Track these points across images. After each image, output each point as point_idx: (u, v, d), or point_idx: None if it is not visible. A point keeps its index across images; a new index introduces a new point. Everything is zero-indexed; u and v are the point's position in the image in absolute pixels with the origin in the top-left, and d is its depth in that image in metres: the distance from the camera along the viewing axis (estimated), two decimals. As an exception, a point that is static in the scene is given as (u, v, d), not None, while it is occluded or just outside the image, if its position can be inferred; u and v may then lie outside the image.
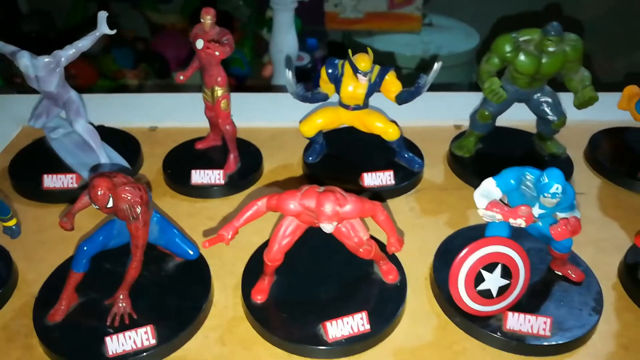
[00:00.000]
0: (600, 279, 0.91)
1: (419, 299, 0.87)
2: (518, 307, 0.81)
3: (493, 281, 0.78)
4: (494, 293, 0.79)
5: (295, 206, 0.72)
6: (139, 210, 0.75)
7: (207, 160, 1.12)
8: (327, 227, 0.70)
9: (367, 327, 0.79)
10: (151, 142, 1.23)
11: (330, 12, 2.93)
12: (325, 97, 1.09)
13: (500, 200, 0.77)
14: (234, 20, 2.77)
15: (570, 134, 1.27)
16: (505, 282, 0.79)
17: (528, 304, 0.82)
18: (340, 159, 1.15)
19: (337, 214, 0.69)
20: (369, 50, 1.02)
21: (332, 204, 0.69)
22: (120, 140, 1.19)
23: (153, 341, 0.76)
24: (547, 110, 1.10)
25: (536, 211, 0.76)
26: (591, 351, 0.80)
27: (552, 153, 1.17)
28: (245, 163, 1.13)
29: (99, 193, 0.71)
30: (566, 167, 1.15)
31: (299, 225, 0.78)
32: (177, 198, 1.07)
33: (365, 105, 1.08)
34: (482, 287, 0.78)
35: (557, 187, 0.71)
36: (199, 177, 1.06)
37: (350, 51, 1.02)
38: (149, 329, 0.76)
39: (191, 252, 0.86)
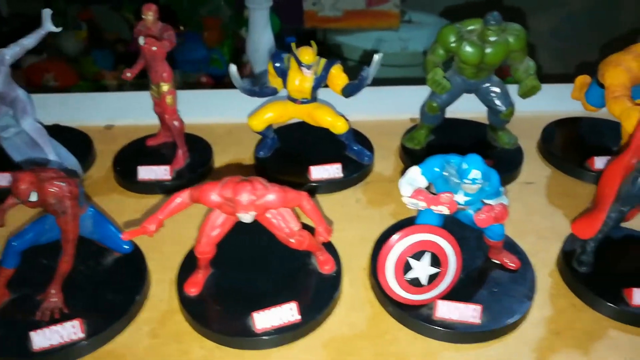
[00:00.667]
0: (540, 267, 0.91)
1: (356, 289, 0.88)
2: (452, 295, 0.81)
3: (421, 269, 0.78)
4: (424, 281, 0.79)
5: (216, 197, 0.72)
6: (67, 204, 0.75)
7: (157, 157, 1.13)
8: (245, 217, 0.70)
9: (298, 317, 0.79)
10: (106, 140, 1.23)
11: (309, 11, 2.93)
12: (274, 92, 1.09)
13: (427, 188, 0.78)
14: (216, 20, 2.78)
15: (525, 124, 1.27)
16: (434, 270, 0.79)
17: (462, 292, 0.82)
18: (291, 153, 1.15)
19: (253, 203, 0.69)
20: (313, 43, 1.02)
21: (248, 194, 0.69)
22: (73, 138, 1.19)
23: (81, 334, 0.76)
24: (495, 100, 1.11)
25: (461, 198, 0.76)
26: (521, 337, 0.80)
27: (504, 143, 1.17)
28: (195, 158, 1.13)
29: (21, 187, 0.71)
30: (516, 157, 1.15)
31: (228, 217, 0.78)
32: (125, 194, 1.08)
33: (314, 98, 1.08)
34: (410, 275, 0.79)
35: (476, 173, 0.71)
36: (145, 173, 1.07)
37: (293, 45, 1.03)
38: (77, 322, 0.76)
39: (126, 247, 0.86)
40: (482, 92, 1.11)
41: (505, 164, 1.13)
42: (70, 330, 0.76)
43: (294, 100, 1.08)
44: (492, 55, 1.03)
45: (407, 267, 0.78)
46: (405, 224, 0.96)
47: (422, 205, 0.75)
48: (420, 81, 1.17)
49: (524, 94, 1.07)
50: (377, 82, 1.39)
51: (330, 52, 2.82)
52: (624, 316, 0.82)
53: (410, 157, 1.16)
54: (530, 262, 0.89)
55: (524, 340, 0.80)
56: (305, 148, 1.17)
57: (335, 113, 1.09)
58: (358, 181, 1.11)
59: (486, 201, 0.78)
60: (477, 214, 0.75)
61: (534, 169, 1.15)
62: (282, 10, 2.73)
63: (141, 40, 1.00)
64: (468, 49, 1.03)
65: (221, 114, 1.33)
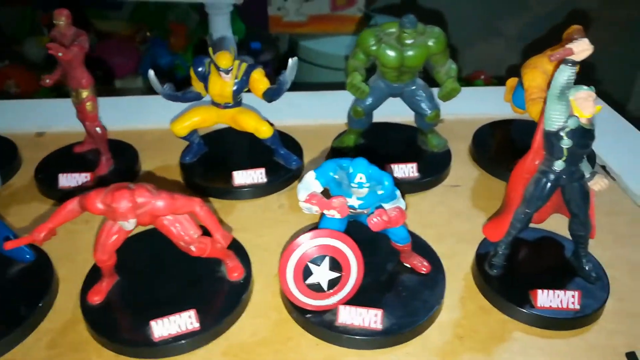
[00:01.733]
0: (455, 270, 0.91)
1: (265, 296, 0.87)
2: (358, 300, 0.80)
3: (321, 274, 0.78)
4: (325, 286, 0.78)
5: (100, 205, 0.71)
6: None
7: (82, 164, 1.11)
8: (126, 225, 0.69)
9: (197, 325, 0.78)
10: (35, 148, 1.22)
11: (274, 16, 2.93)
12: (197, 96, 1.09)
13: (325, 192, 0.77)
14: (182, 26, 2.77)
15: (460, 127, 1.28)
16: (335, 275, 0.78)
17: (369, 297, 0.82)
18: (217, 159, 1.14)
19: (132, 210, 0.68)
20: (232, 48, 1.02)
21: (126, 201, 0.68)
22: (-1, 146, 1.18)
23: (-25, 346, 0.75)
24: (420, 104, 1.11)
25: (355, 202, 0.75)
26: (425, 342, 0.79)
27: (433, 146, 1.17)
28: (120, 165, 1.12)
29: None
30: (444, 160, 1.15)
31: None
32: (46, 203, 1.06)
33: (237, 103, 1.08)
34: (311, 280, 0.78)
35: (360, 177, 0.71)
36: (66, 180, 1.05)
37: (210, 49, 1.02)
38: (-32, 334, 0.75)
39: (27, 256, 0.85)
40: (407, 96, 1.11)
41: (433, 167, 1.13)
42: (-39, 342, 0.75)
43: (217, 105, 1.08)
44: (412, 58, 1.03)
45: (309, 273, 0.78)
46: (312, 228, 0.96)
47: (315, 209, 0.75)
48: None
49: (444, 97, 1.07)
50: (334, 86, 1.40)
51: (298, 59, 2.82)
52: (529, 318, 0.82)
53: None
54: (443, 266, 0.89)
55: (427, 345, 0.79)
56: (232, 154, 1.16)
57: (259, 118, 1.08)
58: (285, 186, 1.10)
59: (384, 205, 0.77)
60: (369, 218, 0.75)
61: (463, 172, 1.15)
62: (247, 15, 2.73)
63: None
64: (387, 52, 1.02)
65: (153, 120, 1.32)
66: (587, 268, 0.87)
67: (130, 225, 0.70)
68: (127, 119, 1.31)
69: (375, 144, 1.19)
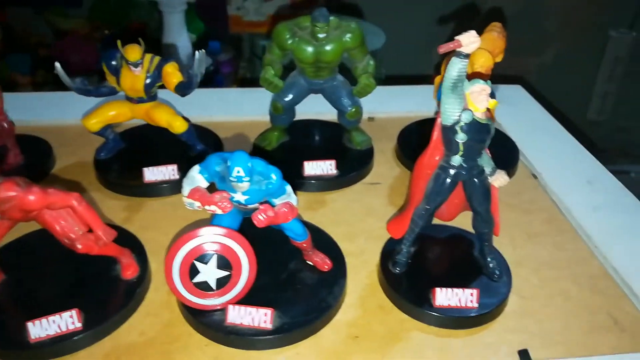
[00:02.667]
0: (361, 268, 0.89)
1: (161, 295, 0.84)
2: (252, 300, 0.78)
3: (209, 272, 0.75)
4: (213, 285, 0.76)
5: None
6: None
7: (-11, 159, 1.08)
8: None
9: (78, 325, 0.75)
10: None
11: (234, 15, 2.90)
12: (111, 91, 1.05)
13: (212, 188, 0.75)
14: (140, 25, 2.73)
15: (391, 126, 1.26)
16: (223, 273, 0.76)
17: (264, 296, 0.79)
18: (133, 155, 1.11)
19: None
20: (141, 40, 0.99)
21: None
22: None
23: None
24: (340, 100, 1.09)
25: (241, 197, 0.73)
26: (318, 342, 0.77)
27: (356, 143, 1.15)
28: (32, 161, 1.08)
29: None
30: (366, 158, 1.13)
31: (1, 220, 0.74)
32: (-53, 199, 1.02)
33: (151, 98, 1.05)
34: (198, 279, 0.75)
35: (237, 170, 0.68)
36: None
37: (119, 42, 0.99)
38: None
39: None
40: (327, 92, 1.09)
41: (355, 164, 1.11)
42: None
43: (130, 100, 1.05)
44: (327, 53, 1.01)
45: (196, 271, 0.75)
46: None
47: (197, 205, 0.72)
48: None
49: (358, 93, 1.05)
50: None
51: (258, 58, 2.79)
52: (426, 317, 0.80)
53: (261, 157, 1.12)
54: (347, 264, 0.87)
55: (319, 345, 0.77)
56: (149, 150, 1.13)
57: (173, 112, 1.06)
58: (199, 184, 1.08)
59: (275, 201, 0.75)
60: (254, 214, 0.72)
61: (385, 170, 1.14)
62: (206, 14, 2.70)
63: None
64: (302, 47, 1.00)
65: (75, 116, 1.28)
66: (491, 265, 0.85)
67: None
68: (47, 115, 1.27)
69: (299, 141, 1.17)
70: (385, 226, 0.96)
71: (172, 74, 1.02)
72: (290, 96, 1.08)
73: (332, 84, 1.08)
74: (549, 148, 1.21)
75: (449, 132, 0.76)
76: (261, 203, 0.74)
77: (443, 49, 0.72)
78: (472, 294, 0.80)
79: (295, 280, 0.84)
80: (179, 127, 1.05)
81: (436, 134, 0.80)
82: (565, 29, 2.83)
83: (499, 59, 1.09)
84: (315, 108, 1.19)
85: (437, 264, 0.88)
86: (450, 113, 0.75)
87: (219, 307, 0.77)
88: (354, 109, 1.09)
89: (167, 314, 0.81)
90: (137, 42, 0.99)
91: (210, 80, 2.37)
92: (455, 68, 0.73)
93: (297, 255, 0.87)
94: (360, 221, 0.99)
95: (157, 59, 1.02)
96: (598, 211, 1.03)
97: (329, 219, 0.99)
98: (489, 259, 0.86)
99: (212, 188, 0.74)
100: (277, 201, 0.75)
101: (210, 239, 0.75)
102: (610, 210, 1.03)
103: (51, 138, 1.17)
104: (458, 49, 0.72)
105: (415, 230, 0.84)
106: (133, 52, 0.98)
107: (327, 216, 1.00)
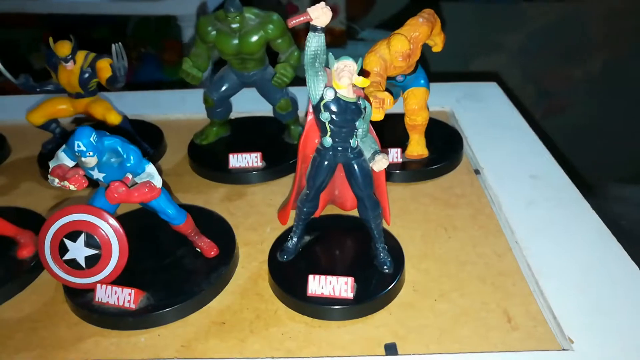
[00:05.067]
0: (255, 256, 0.88)
1: (52, 276, 0.86)
2: (126, 281, 0.78)
3: (77, 250, 0.76)
4: (82, 263, 0.77)
5: None
6: None
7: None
8: None
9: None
10: None
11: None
12: (56, 88, 1.11)
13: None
14: (176, 43, 2.86)
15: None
16: (91, 252, 0.77)
17: (140, 280, 0.80)
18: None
19: None
20: (72, 36, 1.04)
21: None
22: None
23: None
24: (269, 93, 1.08)
25: (99, 175, 0.74)
26: (182, 326, 0.76)
27: (294, 138, 1.13)
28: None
29: None
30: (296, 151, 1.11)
31: None
32: None
33: (89, 93, 1.09)
34: (67, 256, 0.77)
35: (77, 144, 0.69)
36: None
37: (51, 39, 1.04)
38: None
39: None
40: (258, 85, 1.09)
41: (286, 157, 1.09)
42: None
43: (70, 95, 1.10)
44: (248, 45, 1.01)
45: (65, 249, 0.77)
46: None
47: (56, 182, 0.74)
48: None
49: (275, 82, 1.04)
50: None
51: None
52: (297, 306, 0.77)
53: (196, 152, 1.14)
54: (239, 252, 0.86)
55: (182, 329, 0.76)
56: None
57: (109, 106, 1.09)
58: (134, 175, 1.10)
59: (135, 179, 0.75)
60: (107, 190, 0.73)
61: (319, 164, 1.11)
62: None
63: None
64: (222, 39, 1.01)
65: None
66: (380, 255, 0.81)
67: None
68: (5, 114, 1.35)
69: (240, 136, 1.17)
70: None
71: (104, 69, 1.06)
72: (221, 89, 1.09)
73: (262, 77, 1.08)
74: (502, 144, 1.13)
75: (316, 111, 0.74)
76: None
77: (293, 22, 0.70)
78: (346, 283, 0.76)
79: (176, 265, 0.83)
80: (112, 119, 1.09)
81: (310, 116, 0.78)
82: (615, 35, 2.66)
83: (437, 48, 1.05)
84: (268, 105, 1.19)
85: (324, 253, 0.85)
86: (315, 91, 0.73)
87: (88, 286, 0.78)
88: (283, 101, 1.08)
89: (52, 294, 0.83)
90: (69, 39, 1.04)
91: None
92: (311, 43, 0.71)
93: (188, 242, 0.86)
94: (272, 213, 0.97)
95: (92, 55, 1.06)
96: (531, 207, 0.95)
97: (242, 210, 0.98)
98: (378, 249, 0.81)
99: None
100: (137, 179, 0.75)
101: (80, 217, 0.76)
102: (546, 206, 0.95)
103: (10, 134, 1.25)
104: (312, 24, 0.70)
105: (300, 216, 0.82)
106: (62, 47, 1.02)
107: (240, 207, 0.99)
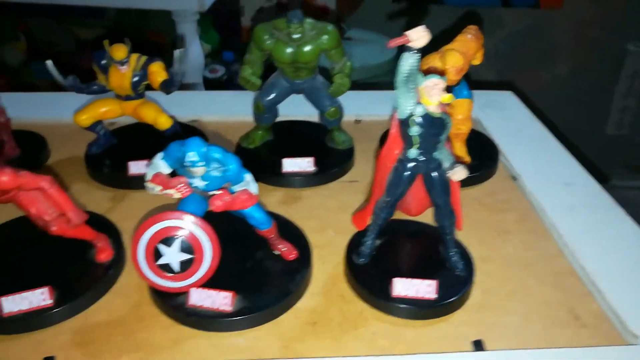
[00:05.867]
0: (328, 259, 0.92)
1: (133, 278, 0.87)
2: (216, 284, 0.81)
3: (172, 255, 0.78)
4: (176, 268, 0.79)
5: None
6: None
7: (-15, 152, 1.14)
8: None
9: (49, 301, 0.79)
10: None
11: (247, 27, 2.98)
12: (102, 89, 1.11)
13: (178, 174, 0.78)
14: (160, 35, 2.82)
15: (376, 128, 1.29)
16: (186, 256, 0.79)
17: (227, 281, 0.82)
18: (123, 151, 1.16)
19: None
20: (127, 40, 1.05)
21: None
22: None
23: None
24: (320, 100, 1.12)
25: (200, 183, 0.76)
26: (275, 327, 0.80)
27: (338, 143, 1.18)
28: (27, 154, 1.14)
29: None
30: (346, 157, 1.16)
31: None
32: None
33: (138, 95, 1.10)
34: (161, 261, 0.79)
35: (191, 155, 0.72)
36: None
37: (106, 42, 1.04)
38: None
39: None
40: (308, 92, 1.12)
41: (333, 163, 1.14)
42: None
43: (119, 97, 1.10)
44: (304, 54, 1.05)
45: (160, 254, 0.79)
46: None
47: (157, 189, 0.76)
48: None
49: (333, 92, 1.08)
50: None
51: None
52: (384, 307, 0.82)
53: (244, 156, 1.16)
54: (313, 254, 0.90)
55: (277, 330, 0.79)
56: (138, 146, 1.18)
57: (159, 110, 1.11)
58: (183, 177, 1.12)
59: (235, 187, 0.79)
60: (212, 199, 0.76)
61: (364, 169, 1.16)
62: (221, 25, 2.78)
63: None
64: (279, 47, 1.04)
65: (68, 114, 1.34)
66: (453, 259, 0.87)
67: None
68: (42, 112, 1.33)
69: (283, 140, 1.21)
70: (355, 220, 0.99)
71: (157, 72, 1.07)
72: (272, 96, 1.12)
73: (312, 84, 1.11)
74: (531, 151, 1.22)
75: (404, 125, 0.79)
76: (221, 189, 0.78)
77: (392, 43, 0.74)
78: (429, 285, 0.82)
79: (259, 268, 0.87)
80: (163, 123, 1.10)
81: (394, 128, 0.83)
82: (583, 42, 2.83)
83: (477, 61, 1.12)
84: (303, 109, 1.23)
85: (400, 256, 0.90)
86: (404, 107, 0.78)
87: (181, 290, 0.81)
88: (332, 109, 1.12)
89: (137, 296, 0.84)
90: (123, 42, 1.05)
91: (224, 89, 2.44)
92: (406, 63, 0.75)
93: (265, 245, 0.90)
94: (332, 216, 1.02)
95: (143, 58, 1.07)
96: (573, 211, 1.03)
97: (302, 214, 1.02)
98: (451, 253, 0.87)
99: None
100: (236, 188, 0.78)
101: (175, 223, 0.78)
102: (585, 211, 1.03)
103: (48, 134, 1.23)
104: (408, 44, 0.75)
105: (377, 222, 0.87)
106: (119, 51, 1.03)
107: (300, 211, 1.03)
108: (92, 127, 1.13)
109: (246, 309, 0.79)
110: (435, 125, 0.78)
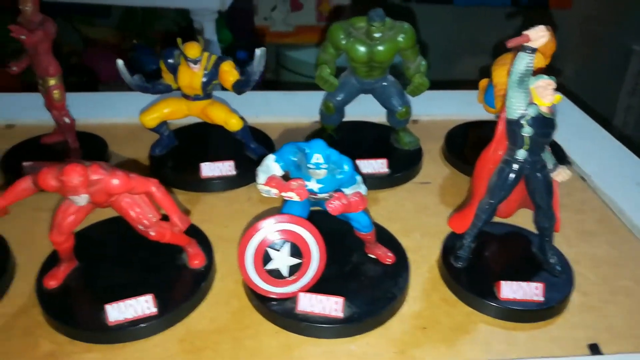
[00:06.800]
0: (420, 263, 0.90)
1: (226, 284, 0.85)
2: (319, 288, 0.79)
3: (281, 260, 0.76)
4: (285, 272, 0.77)
5: (54, 181, 0.69)
6: None
7: (49, 155, 1.10)
8: (78, 200, 0.68)
9: (154, 310, 0.76)
10: (3, 140, 1.19)
11: (261, 26, 2.95)
12: (167, 89, 1.08)
13: (288, 176, 0.76)
14: (170, 34, 2.78)
15: (434, 127, 1.28)
16: (295, 261, 0.77)
17: (330, 286, 0.80)
18: (187, 152, 1.13)
19: (83, 185, 0.67)
20: (200, 38, 1.02)
21: (77, 176, 0.66)
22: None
23: None
24: (390, 100, 1.11)
25: (314, 186, 0.74)
26: (386, 332, 0.78)
27: (404, 144, 1.16)
28: (89, 156, 1.10)
29: None
30: (415, 158, 1.15)
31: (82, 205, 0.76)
32: (9, 191, 1.05)
33: (207, 95, 1.07)
34: (270, 266, 0.76)
35: (317, 157, 0.70)
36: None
37: (179, 40, 1.01)
38: None
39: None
40: (378, 92, 1.11)
41: (404, 164, 1.12)
42: None
43: (187, 97, 1.07)
44: (381, 53, 1.03)
45: (268, 258, 0.76)
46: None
47: (274, 192, 0.74)
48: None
49: (412, 92, 1.07)
50: (307, 86, 1.40)
51: (284, 69, 2.83)
52: (492, 310, 0.81)
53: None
54: (408, 258, 0.88)
55: (388, 336, 0.78)
56: (202, 147, 1.16)
57: (229, 110, 1.08)
58: (254, 180, 1.09)
59: (345, 190, 0.77)
60: (328, 202, 0.74)
61: (434, 170, 1.15)
62: (234, 25, 2.75)
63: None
64: (357, 46, 1.03)
65: (124, 114, 1.31)
66: (552, 261, 0.86)
67: (81, 200, 0.68)
68: (99, 113, 1.30)
69: (349, 141, 1.19)
70: (440, 223, 0.98)
71: (229, 72, 1.04)
72: (342, 96, 1.10)
73: (383, 84, 1.10)
74: (595, 151, 1.22)
75: (514, 126, 0.78)
76: (334, 191, 0.76)
77: (512, 43, 0.73)
78: (537, 288, 0.81)
79: (359, 272, 0.85)
80: (234, 124, 1.07)
81: (500, 129, 0.82)
82: (588, 42, 2.86)
83: (547, 61, 1.11)
84: (357, 110, 1.21)
85: (497, 259, 0.89)
86: (517, 107, 0.77)
87: (288, 296, 0.79)
88: (404, 109, 1.11)
89: (236, 303, 0.82)
90: (195, 40, 1.02)
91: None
92: (522, 62, 0.74)
93: (358, 248, 0.88)
94: (413, 218, 1.01)
95: (214, 57, 1.04)
96: (651, 212, 1.04)
97: (383, 216, 1.00)
98: (549, 255, 0.86)
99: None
100: (348, 191, 0.76)
101: (283, 227, 0.76)
102: (663, 211, 1.04)
103: (104, 135, 1.20)
104: (527, 44, 0.74)
105: (477, 225, 0.86)
106: (193, 48, 1.00)
107: (380, 213, 1.01)
108: (157, 128, 1.10)
109: (356, 314, 0.78)
110: (546, 126, 0.77)
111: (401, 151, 1.16)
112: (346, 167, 0.74)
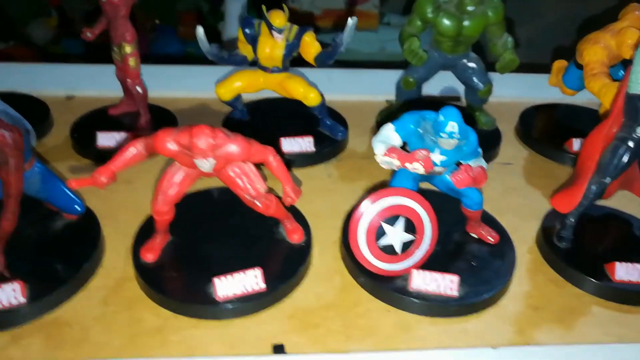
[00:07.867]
0: (518, 244, 0.87)
1: (326, 260, 0.82)
2: (427, 266, 0.76)
3: (395, 235, 0.73)
4: (398, 249, 0.74)
5: (172, 145, 0.66)
6: (9, 152, 0.68)
7: (118, 125, 1.06)
8: (204, 165, 0.65)
9: (263, 286, 0.73)
10: (66, 110, 1.16)
11: (292, 7, 2.90)
12: (243, 60, 1.04)
13: (403, 147, 0.73)
14: (192, 14, 2.72)
15: (504, 109, 1.25)
16: (409, 237, 0.74)
17: (438, 264, 0.77)
18: (261, 126, 1.10)
19: (212, 148, 0.64)
20: (285, 7, 0.98)
21: (206, 137, 0.63)
22: (30, 106, 1.12)
23: (22, 299, 0.69)
24: (473, 77, 1.07)
25: (437, 157, 0.71)
26: (500, 312, 0.76)
27: (481, 124, 1.13)
28: (159, 128, 1.06)
29: None
30: (494, 138, 1.12)
31: (188, 174, 0.72)
32: (82, 161, 1.00)
33: (285, 68, 1.03)
34: (384, 241, 0.73)
35: (452, 125, 0.67)
36: (105, 140, 1.00)
37: (264, 7, 0.97)
38: (17, 285, 0.69)
39: (77, 207, 0.79)
40: (460, 69, 1.07)
41: (483, 144, 1.08)
42: (10, 294, 0.69)
43: (264, 69, 1.03)
44: (470, 27, 1.00)
45: (380, 235, 0.73)
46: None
47: (396, 163, 0.70)
48: (395, 65, 1.13)
49: (502, 68, 1.03)
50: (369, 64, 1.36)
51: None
52: (607, 292, 0.78)
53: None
54: (510, 238, 0.85)
55: (502, 315, 0.75)
56: (276, 122, 1.12)
57: (308, 84, 1.04)
58: (331, 157, 1.06)
59: (464, 162, 0.74)
60: (455, 173, 0.71)
61: (512, 151, 1.12)
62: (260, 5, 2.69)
63: None
64: (445, 20, 0.99)
65: (190, 89, 1.27)
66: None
67: (207, 166, 0.65)
68: (164, 87, 1.25)
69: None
70: (531, 204, 0.96)
71: (311, 43, 1.00)
72: (423, 71, 1.07)
73: (466, 61, 1.07)
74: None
75: (637, 101, 0.75)
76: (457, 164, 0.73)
77: None
78: (654, 269, 0.79)
79: (464, 251, 0.82)
80: (313, 99, 1.03)
81: (619, 104, 0.79)
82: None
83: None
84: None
85: (601, 240, 0.87)
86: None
87: (400, 273, 0.76)
88: (486, 87, 1.08)
89: (338, 279, 0.79)
90: (280, 8, 0.98)
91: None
92: None
93: (459, 227, 0.85)
94: (504, 199, 0.98)
95: (295, 27, 1.00)
96: None
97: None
98: (654, 237, 0.84)
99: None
100: (471, 164, 0.73)
101: (397, 200, 0.73)
102: None
103: (172, 109, 1.16)
104: None
105: (584, 204, 0.83)
106: (279, 17, 0.96)
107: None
108: (233, 101, 1.06)
109: (471, 293, 0.75)
110: (671, 102, 0.74)
111: (479, 131, 1.12)
112: (472, 138, 0.71)
